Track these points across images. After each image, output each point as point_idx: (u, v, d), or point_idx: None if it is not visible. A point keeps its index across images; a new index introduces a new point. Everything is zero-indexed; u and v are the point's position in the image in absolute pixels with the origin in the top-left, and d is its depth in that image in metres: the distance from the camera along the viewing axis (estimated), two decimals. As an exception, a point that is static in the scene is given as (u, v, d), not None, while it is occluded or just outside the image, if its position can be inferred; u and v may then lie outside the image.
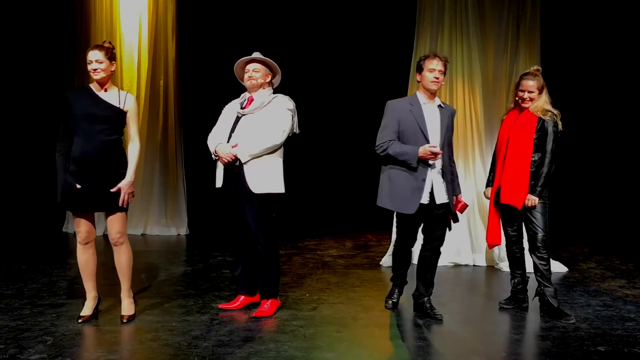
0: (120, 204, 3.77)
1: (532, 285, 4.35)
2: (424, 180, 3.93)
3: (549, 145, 4.12)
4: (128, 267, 3.94)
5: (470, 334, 3.85)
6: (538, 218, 4.14)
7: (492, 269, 5.94)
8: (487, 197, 4.48)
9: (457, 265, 6.05)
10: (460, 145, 6.16)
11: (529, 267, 4.32)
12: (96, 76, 3.78)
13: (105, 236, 4.02)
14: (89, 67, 3.78)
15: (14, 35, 8.14)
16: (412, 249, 4.31)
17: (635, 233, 7.57)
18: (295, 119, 4.16)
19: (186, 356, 3.28)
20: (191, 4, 8.15)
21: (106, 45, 3.84)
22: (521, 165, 4.15)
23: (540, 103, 4.15)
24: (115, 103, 3.81)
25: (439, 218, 4.06)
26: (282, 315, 4.10)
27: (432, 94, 4.08)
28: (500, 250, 5.68)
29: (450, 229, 4.17)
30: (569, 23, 8.05)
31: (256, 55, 4.16)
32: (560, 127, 4.14)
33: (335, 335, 3.71)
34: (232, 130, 4.07)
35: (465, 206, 4.18)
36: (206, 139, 4.19)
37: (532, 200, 4.11)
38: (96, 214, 3.91)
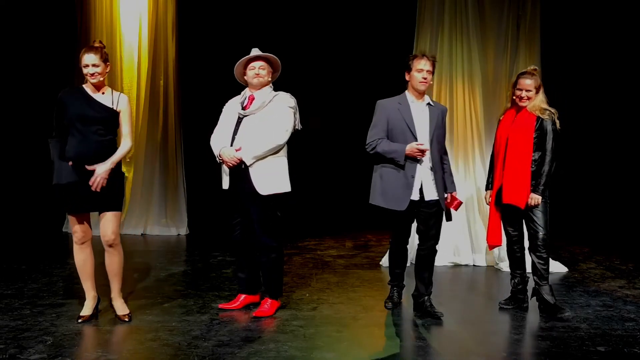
0: (90, 183, 3.68)
1: (532, 285, 4.34)
2: (413, 177, 3.98)
3: (549, 144, 4.12)
4: (120, 268, 3.93)
5: (470, 334, 3.85)
6: (539, 217, 4.14)
7: (492, 269, 5.93)
8: (487, 203, 4.47)
9: (457, 265, 6.04)
10: (460, 145, 6.16)
11: (529, 267, 4.32)
12: (93, 80, 3.79)
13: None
14: (86, 71, 3.78)
15: (14, 35, 8.14)
16: (408, 248, 4.34)
17: (635, 233, 7.56)
18: (297, 115, 4.15)
19: (186, 356, 3.28)
20: (191, 4, 8.15)
21: (97, 45, 3.82)
22: (522, 165, 4.15)
23: (537, 102, 4.16)
24: (108, 104, 3.82)
25: (431, 217, 4.09)
26: (282, 315, 4.10)
27: (421, 93, 4.12)
28: (500, 250, 5.68)
29: (449, 219, 4.19)
30: (569, 23, 8.04)
31: (259, 52, 4.15)
32: (558, 125, 4.14)
33: (335, 335, 3.71)
34: (235, 132, 4.06)
35: (460, 204, 4.19)
36: (206, 139, 4.18)
37: (535, 199, 4.11)
38: (92, 214, 3.90)
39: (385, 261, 5.92)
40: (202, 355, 3.30)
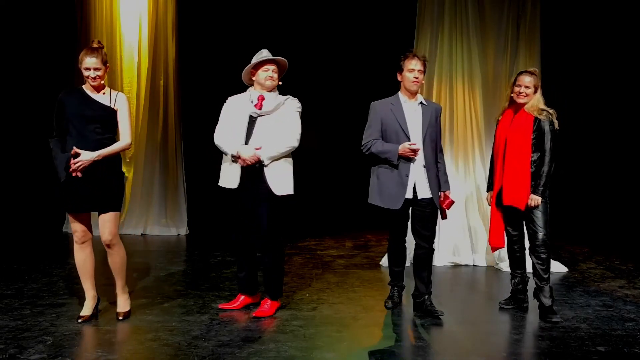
0: (69, 164, 3.65)
1: (532, 285, 4.34)
2: (407, 175, 4.05)
3: (547, 144, 4.12)
4: (122, 266, 3.95)
5: (470, 334, 3.85)
6: (539, 217, 4.14)
7: (492, 269, 5.93)
8: (488, 204, 4.47)
9: (457, 265, 6.05)
10: (460, 145, 6.16)
11: (530, 266, 4.32)
12: (94, 82, 3.80)
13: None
14: (87, 74, 3.78)
15: (14, 35, 8.14)
16: (406, 248, 4.36)
17: (635, 233, 7.57)
18: None
19: (186, 356, 3.28)
20: (191, 4, 8.15)
21: (96, 45, 3.83)
22: (521, 166, 4.14)
23: (535, 102, 4.17)
24: (106, 102, 3.84)
25: (426, 216, 4.12)
26: (282, 315, 4.10)
27: (413, 93, 4.17)
28: (500, 250, 5.67)
29: (444, 218, 4.24)
30: (569, 23, 8.04)
31: (270, 55, 4.14)
32: (556, 125, 4.14)
33: (335, 335, 3.71)
34: (250, 132, 4.06)
35: (452, 203, 4.21)
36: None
37: (535, 200, 4.11)
38: (92, 214, 3.91)
39: (385, 261, 5.93)
40: (202, 355, 3.30)
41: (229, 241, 6.74)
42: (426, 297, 4.19)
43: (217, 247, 6.72)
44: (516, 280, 4.40)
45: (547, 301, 4.12)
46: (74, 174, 3.67)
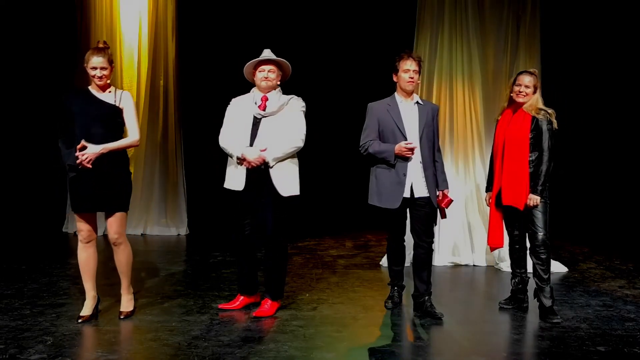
0: (76, 155, 3.68)
1: (532, 285, 4.34)
2: (404, 175, 4.06)
3: (546, 143, 4.12)
4: (127, 265, 3.97)
5: (470, 334, 3.85)
6: (539, 217, 4.14)
7: (492, 269, 5.93)
8: (487, 204, 4.47)
9: (456, 265, 6.05)
10: (460, 145, 6.16)
11: (530, 266, 4.32)
12: (100, 82, 3.84)
13: (106, 236, 4.03)
14: (93, 73, 3.81)
15: (14, 36, 8.14)
16: (405, 247, 4.37)
17: (635, 233, 7.56)
18: None
19: (186, 356, 3.28)
20: (191, 4, 8.15)
21: (102, 45, 3.88)
22: (520, 166, 4.14)
23: (533, 102, 4.18)
24: (110, 101, 3.86)
25: (424, 215, 4.13)
26: (282, 315, 4.10)
27: (409, 93, 4.19)
28: (500, 250, 5.68)
29: (443, 217, 4.26)
30: (569, 23, 8.04)
31: (270, 55, 4.13)
32: (555, 125, 4.14)
33: (335, 335, 3.71)
34: (254, 133, 4.05)
35: (450, 201, 4.21)
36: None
37: (534, 199, 4.11)
38: (98, 214, 3.92)
39: (384, 261, 5.93)
40: (202, 355, 3.30)
41: (229, 241, 6.75)
42: (426, 297, 4.19)
43: (217, 247, 6.72)
44: (516, 280, 4.40)
45: (547, 302, 4.12)
46: (80, 167, 3.68)
